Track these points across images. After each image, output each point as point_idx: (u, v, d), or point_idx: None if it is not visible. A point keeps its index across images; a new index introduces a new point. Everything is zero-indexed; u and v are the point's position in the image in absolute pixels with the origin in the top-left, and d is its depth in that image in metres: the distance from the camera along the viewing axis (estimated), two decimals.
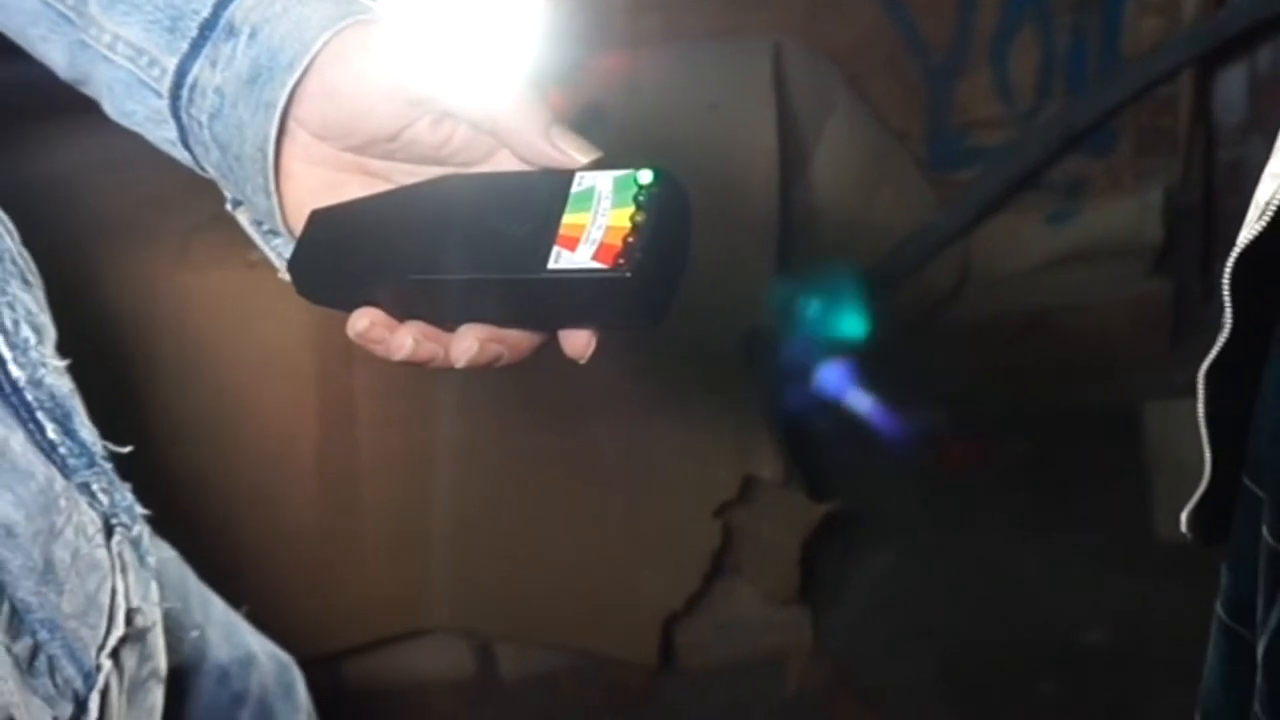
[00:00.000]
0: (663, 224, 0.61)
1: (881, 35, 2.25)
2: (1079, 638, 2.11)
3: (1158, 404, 2.26)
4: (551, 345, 0.64)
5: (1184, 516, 0.73)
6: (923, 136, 2.33)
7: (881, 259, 2.32)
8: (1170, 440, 2.16)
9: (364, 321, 0.64)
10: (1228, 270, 0.62)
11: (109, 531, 0.77)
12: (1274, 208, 0.59)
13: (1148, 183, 2.36)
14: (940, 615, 2.18)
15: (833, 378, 2.18)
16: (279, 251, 0.71)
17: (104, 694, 0.74)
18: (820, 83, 2.21)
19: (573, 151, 0.63)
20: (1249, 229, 0.60)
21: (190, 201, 1.61)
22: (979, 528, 2.29)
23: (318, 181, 0.67)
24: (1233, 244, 0.62)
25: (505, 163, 0.66)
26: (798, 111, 2.17)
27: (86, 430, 0.77)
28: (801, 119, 2.18)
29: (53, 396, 0.74)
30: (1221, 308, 0.63)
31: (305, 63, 0.64)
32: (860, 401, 2.18)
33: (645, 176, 0.62)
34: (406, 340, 0.63)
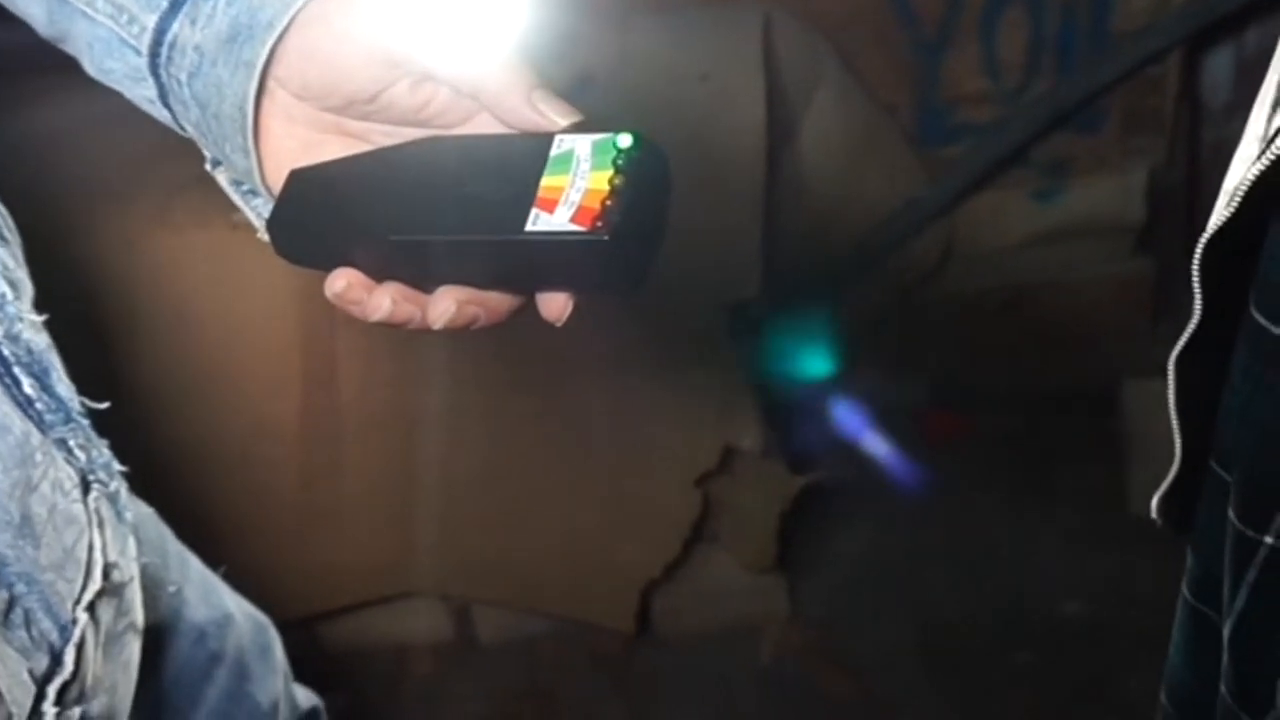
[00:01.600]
0: (641, 188, 0.61)
1: (871, 8, 2.24)
2: (1056, 609, 2.12)
3: (1137, 382, 2.27)
4: (530, 309, 0.64)
5: (1154, 503, 0.74)
6: (910, 111, 2.32)
7: (867, 233, 2.33)
8: (1149, 418, 2.17)
9: (341, 282, 0.64)
10: (1197, 256, 0.62)
11: (86, 487, 0.77)
12: (1241, 194, 0.59)
13: (1133, 162, 2.36)
14: (918, 586, 2.19)
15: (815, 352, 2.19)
16: (258, 211, 0.71)
17: (80, 647, 0.74)
18: (810, 55, 2.20)
19: (553, 114, 0.63)
20: (1218, 215, 0.61)
21: (171, 162, 1.59)
22: (958, 501, 2.30)
23: (297, 141, 0.67)
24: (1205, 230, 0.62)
25: (485, 125, 0.66)
26: (786, 83, 2.16)
27: (64, 386, 0.77)
28: (790, 91, 2.18)
29: (30, 351, 0.74)
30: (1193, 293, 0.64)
31: (285, 22, 0.64)
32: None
33: (624, 140, 0.62)
34: (384, 301, 0.63)
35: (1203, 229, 0.62)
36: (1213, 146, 2.39)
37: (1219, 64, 2.37)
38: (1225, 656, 0.65)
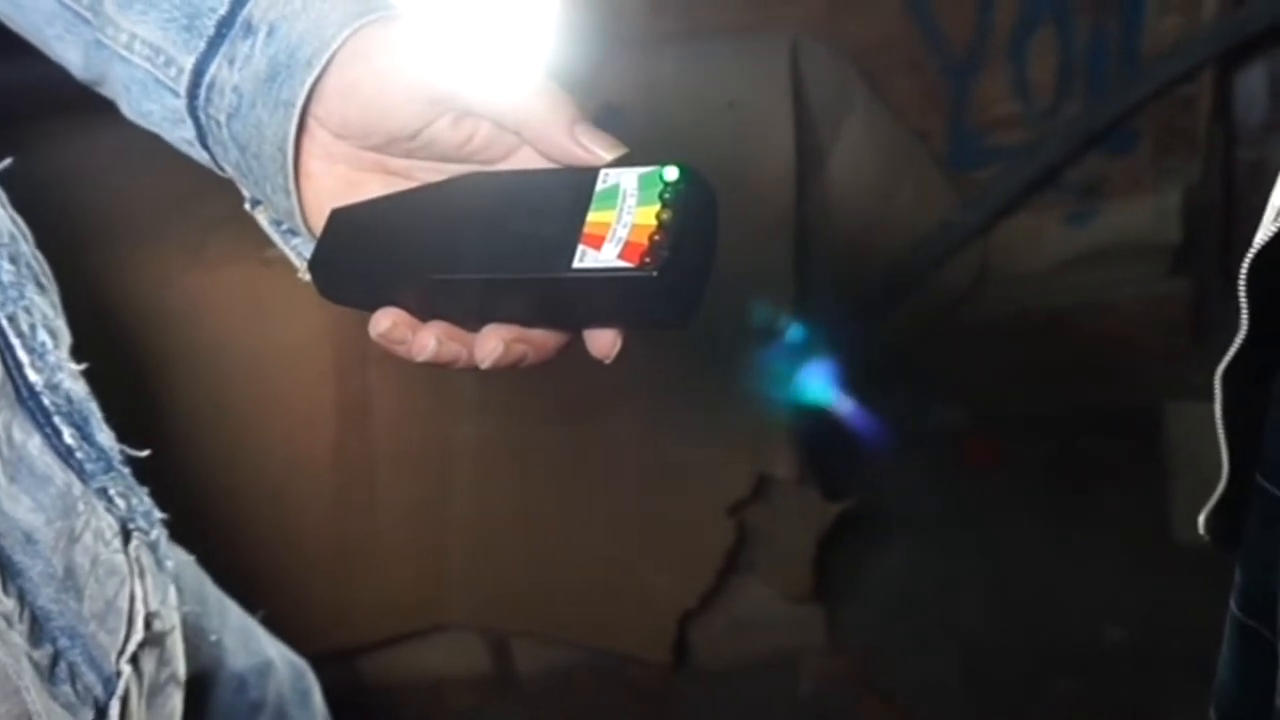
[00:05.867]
0: (689, 222, 0.60)
1: (901, 33, 2.24)
2: (1098, 637, 2.10)
3: (1177, 404, 2.25)
4: (575, 344, 0.64)
5: (1202, 519, 0.73)
6: (942, 135, 2.32)
7: (900, 258, 2.32)
8: (1190, 440, 2.15)
9: (386, 322, 0.63)
10: (1243, 271, 0.62)
11: (126, 536, 0.77)
12: None
13: (1167, 182, 2.35)
14: (957, 614, 2.17)
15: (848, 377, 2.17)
16: (298, 251, 0.70)
17: (124, 700, 0.73)
18: (838, 81, 2.20)
19: (597, 148, 0.62)
20: (1264, 230, 0.61)
21: (204, 199, 1.60)
22: (996, 527, 2.28)
23: (337, 180, 0.67)
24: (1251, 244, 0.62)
25: (527, 160, 0.65)
26: (816, 109, 2.16)
27: (104, 435, 0.76)
28: (819, 117, 2.17)
29: (70, 401, 0.74)
30: (1239, 309, 0.63)
31: (324, 60, 0.63)
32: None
33: (671, 174, 0.60)
34: (429, 341, 0.62)
35: (1240, 248, 0.62)
36: (1248, 165, 2.38)
37: (1252, 82, 2.36)
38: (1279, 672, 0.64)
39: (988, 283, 2.40)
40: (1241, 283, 0.62)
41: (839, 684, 2.11)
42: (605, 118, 1.95)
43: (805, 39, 2.13)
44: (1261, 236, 0.61)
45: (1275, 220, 0.60)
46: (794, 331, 2.05)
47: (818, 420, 2.09)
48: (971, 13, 2.24)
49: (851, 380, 2.14)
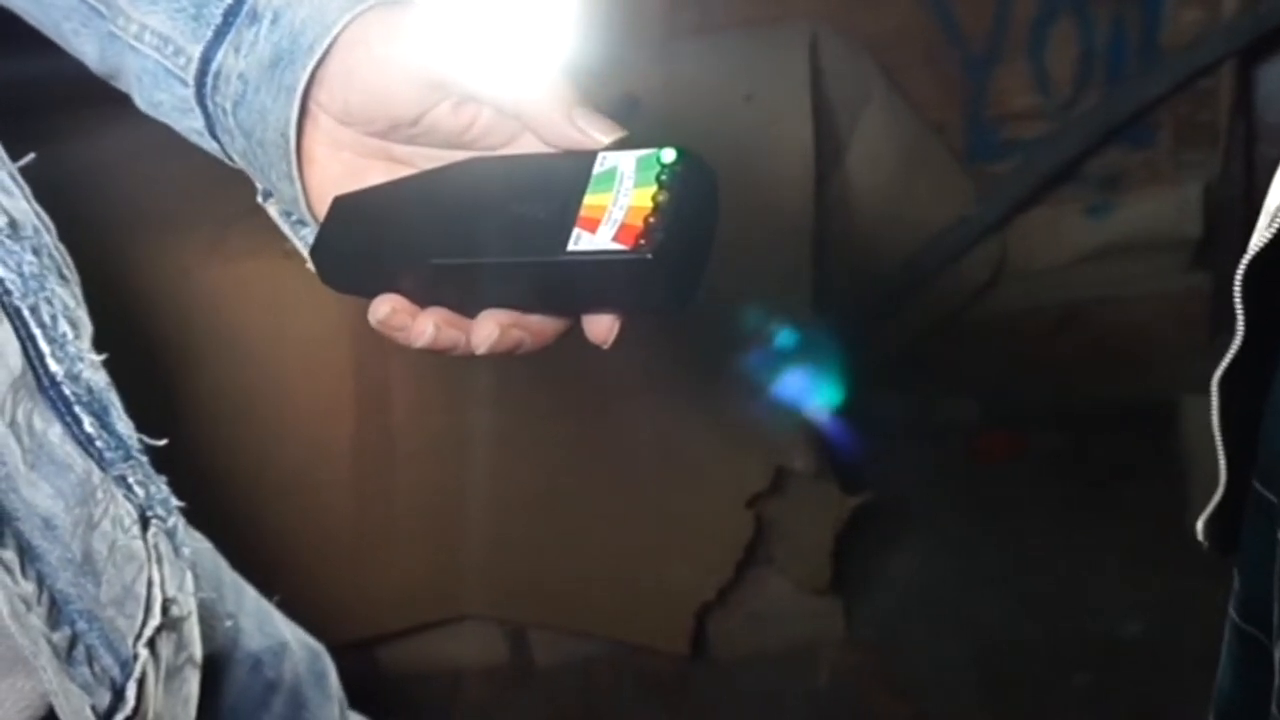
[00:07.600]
0: (686, 204, 0.59)
1: (919, 25, 2.24)
2: (1114, 630, 2.09)
3: (1195, 398, 2.23)
4: (578, 332, 0.63)
5: (1200, 525, 0.73)
6: (960, 128, 2.31)
7: (918, 251, 2.31)
8: (1207, 435, 2.14)
9: (385, 308, 0.63)
10: (1238, 277, 0.61)
11: (145, 523, 0.77)
12: None
13: (1187, 176, 2.34)
14: (973, 607, 2.17)
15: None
16: (307, 241, 0.71)
17: (141, 682, 0.74)
18: (857, 73, 2.20)
19: (595, 132, 0.62)
20: (1259, 235, 0.60)
21: (225, 192, 1.60)
22: (1013, 521, 2.28)
23: (341, 167, 0.67)
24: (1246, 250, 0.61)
25: (529, 146, 0.65)
26: (834, 102, 2.16)
27: (123, 424, 0.77)
28: (838, 110, 2.17)
29: (90, 391, 0.75)
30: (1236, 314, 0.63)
31: (325, 46, 0.64)
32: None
33: (668, 155, 0.60)
34: (427, 327, 0.62)
35: None
36: (1268, 159, 2.37)
37: (1273, 76, 2.35)
38: (1277, 678, 0.64)
39: (1005, 276, 2.40)
40: (1237, 288, 0.62)
41: (856, 676, 2.11)
42: (624, 110, 1.96)
43: (823, 31, 2.13)
44: (1256, 242, 0.60)
45: (1269, 226, 0.59)
46: (810, 324, 2.05)
47: (834, 413, 2.10)
48: (990, 5, 2.23)
49: (868, 374, 2.14)
